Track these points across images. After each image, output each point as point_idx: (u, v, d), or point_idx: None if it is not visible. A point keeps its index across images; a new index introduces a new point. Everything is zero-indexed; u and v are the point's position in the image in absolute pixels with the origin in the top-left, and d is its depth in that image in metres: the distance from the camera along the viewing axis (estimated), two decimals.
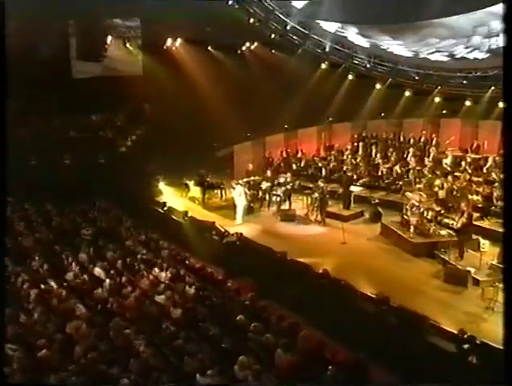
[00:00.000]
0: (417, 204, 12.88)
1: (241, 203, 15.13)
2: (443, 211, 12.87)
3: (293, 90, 21.43)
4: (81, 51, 22.36)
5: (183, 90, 21.50)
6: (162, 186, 18.93)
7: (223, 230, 13.82)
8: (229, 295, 10.67)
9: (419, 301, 9.77)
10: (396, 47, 18.09)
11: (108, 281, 10.75)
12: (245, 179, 17.68)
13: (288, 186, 16.05)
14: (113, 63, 22.96)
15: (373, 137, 20.89)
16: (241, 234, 13.24)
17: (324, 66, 21.14)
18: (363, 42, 19.00)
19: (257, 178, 17.48)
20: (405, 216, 13.00)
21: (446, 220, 12.75)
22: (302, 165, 19.92)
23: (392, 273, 11.21)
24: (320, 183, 15.03)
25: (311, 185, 18.16)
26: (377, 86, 20.55)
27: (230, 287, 10.77)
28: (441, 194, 12.92)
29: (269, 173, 16.92)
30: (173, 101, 21.23)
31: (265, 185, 16.47)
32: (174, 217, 15.84)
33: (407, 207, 13.27)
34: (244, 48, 22.55)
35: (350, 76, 20.86)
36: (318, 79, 21.55)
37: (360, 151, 20.22)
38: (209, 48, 22.21)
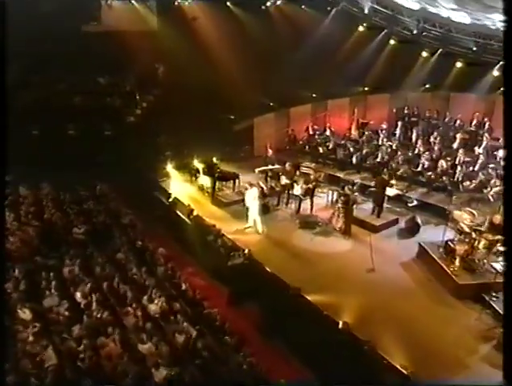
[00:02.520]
0: (467, 229, 10.18)
1: (254, 207, 12.66)
2: (499, 239, 9.96)
3: (324, 54, 18.28)
4: None
5: (198, 51, 18.64)
6: (169, 168, 16.57)
7: (229, 243, 11.57)
8: (226, 348, 8.69)
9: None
10: (451, 10, 14.50)
11: (86, 318, 8.88)
12: (262, 168, 15.14)
13: (310, 185, 13.41)
14: (124, 14, 20.07)
15: (414, 115, 17.69)
16: (250, 253, 10.94)
17: (361, 28, 17.64)
18: (411, 3, 15.40)
19: (276, 167, 14.85)
20: (450, 243, 10.34)
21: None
22: (330, 147, 17.06)
23: (429, 330, 8.78)
24: (347, 190, 12.32)
25: (339, 174, 15.57)
26: (424, 54, 17.02)
27: (228, 340, 8.70)
28: (498, 219, 10.01)
29: (288, 166, 14.19)
30: (187, 64, 18.44)
31: (284, 180, 13.86)
32: (178, 213, 13.64)
33: (458, 225, 10.58)
34: (268, 4, 19.07)
35: (392, 41, 17.36)
36: (354, 43, 18.15)
37: (398, 132, 17.15)
38: (228, 4, 18.87)
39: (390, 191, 13.19)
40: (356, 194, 13.30)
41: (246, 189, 12.94)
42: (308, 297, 9.62)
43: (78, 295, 9.79)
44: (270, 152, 15.61)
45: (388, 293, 9.87)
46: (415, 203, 13.51)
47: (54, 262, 10.93)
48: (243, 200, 13.15)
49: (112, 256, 11.51)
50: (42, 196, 14.90)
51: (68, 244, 11.93)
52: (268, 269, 10.32)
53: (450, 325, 8.91)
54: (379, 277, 10.47)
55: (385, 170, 13.43)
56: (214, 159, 17.11)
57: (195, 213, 13.18)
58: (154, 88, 20.26)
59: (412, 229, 12.30)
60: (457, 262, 9.95)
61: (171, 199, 14.38)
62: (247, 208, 12.85)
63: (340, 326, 8.53)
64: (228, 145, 18.20)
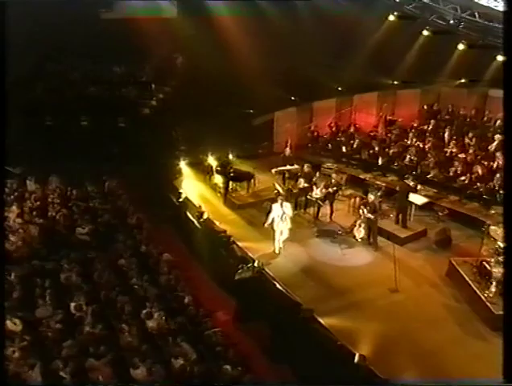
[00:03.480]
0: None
1: (283, 228, 10.84)
2: None
3: (352, 45, 16.85)
4: None
5: (219, 42, 17.48)
6: (183, 165, 15.61)
7: (239, 253, 10.54)
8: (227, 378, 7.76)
9: None
10: None
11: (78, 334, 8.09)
12: (279, 168, 13.99)
13: (330, 190, 12.21)
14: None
15: (448, 113, 16.20)
16: (261, 266, 9.89)
17: (392, 17, 16.14)
18: None
19: (293, 167, 13.70)
20: (485, 264, 9.05)
21: None
22: (354, 146, 15.77)
23: (458, 366, 7.56)
24: (371, 196, 11.07)
25: (362, 176, 14.31)
26: (460, 46, 15.45)
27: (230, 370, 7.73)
28: None
29: (306, 167, 12.98)
30: (207, 55, 17.34)
31: (302, 183, 12.69)
32: (188, 215, 12.67)
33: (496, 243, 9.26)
34: None
35: (425, 32, 15.81)
36: (384, 33, 16.65)
37: (429, 130, 15.70)
38: None
39: (418, 199, 11.88)
40: (380, 200, 12.10)
41: (270, 204, 11.08)
42: (322, 321, 8.56)
43: (73, 306, 8.99)
44: (288, 150, 14.44)
45: (412, 319, 8.68)
46: (446, 212, 12.15)
47: (52, 266, 10.17)
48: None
49: (113, 262, 10.67)
50: (49, 191, 14.18)
51: (69, 246, 11.18)
52: (279, 286, 9.26)
53: (482, 361, 7.66)
54: (403, 298, 9.29)
55: (407, 175, 12.07)
56: (230, 156, 16.15)
57: (205, 216, 12.20)
58: (172, 79, 19.20)
59: (442, 243, 11.01)
60: (493, 287, 8.65)
61: (181, 199, 13.44)
62: (273, 230, 10.91)
63: (356, 359, 7.43)
64: (246, 141, 17.11)
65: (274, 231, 10.72)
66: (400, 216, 11.67)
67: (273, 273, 9.96)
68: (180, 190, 13.67)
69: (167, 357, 8.03)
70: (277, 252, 10.84)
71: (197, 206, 12.87)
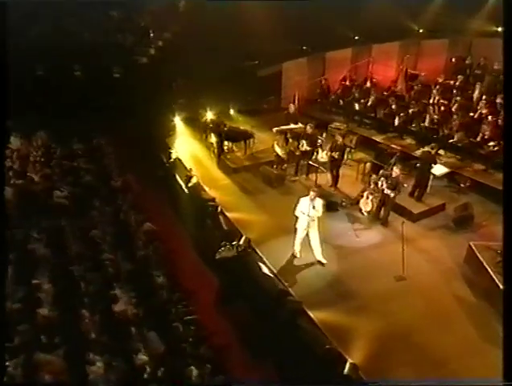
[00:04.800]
0: None
1: (309, 231, 8.35)
2: None
3: None
4: None
5: None
6: (178, 120, 13.95)
7: (226, 227, 9.04)
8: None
9: None
10: None
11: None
12: (281, 127, 12.20)
13: (335, 155, 10.42)
14: None
15: (479, 67, 13.92)
16: (247, 243, 8.39)
17: None
18: None
19: (298, 126, 11.90)
20: None
21: None
22: (369, 103, 13.77)
23: (471, 375, 6.11)
24: (396, 170, 9.10)
25: (376, 138, 12.45)
26: None
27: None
28: None
29: (309, 128, 11.10)
30: None
31: (304, 146, 10.93)
32: (177, 178, 11.17)
33: None
34: None
35: None
36: None
37: (456, 87, 13.53)
38: None
39: (437, 169, 10.05)
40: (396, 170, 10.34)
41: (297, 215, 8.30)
42: (311, 315, 7.12)
43: (33, 283, 7.77)
44: (292, 107, 12.53)
45: (418, 316, 7.14)
46: (468, 184, 10.33)
47: (20, 236, 8.92)
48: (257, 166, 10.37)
49: (86, 231, 9.33)
50: (32, 149, 12.84)
51: (43, 212, 9.87)
52: (266, 270, 7.78)
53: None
54: (410, 289, 7.70)
55: (433, 144, 10.07)
56: (231, 111, 14.42)
57: (194, 181, 10.67)
58: (173, 24, 17.19)
59: (463, 220, 9.26)
60: None
61: (171, 160, 11.90)
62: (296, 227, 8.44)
63: (347, 369, 6.01)
64: (250, 94, 15.27)
65: (295, 230, 8.38)
66: (417, 189, 9.87)
67: (261, 252, 8.49)
68: (171, 150, 12.11)
69: (131, 351, 6.81)
70: (297, 255, 8.50)
71: (188, 168, 11.33)
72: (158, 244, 9.28)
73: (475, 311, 7.22)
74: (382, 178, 9.08)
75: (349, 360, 6.12)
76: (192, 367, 6.47)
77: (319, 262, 8.28)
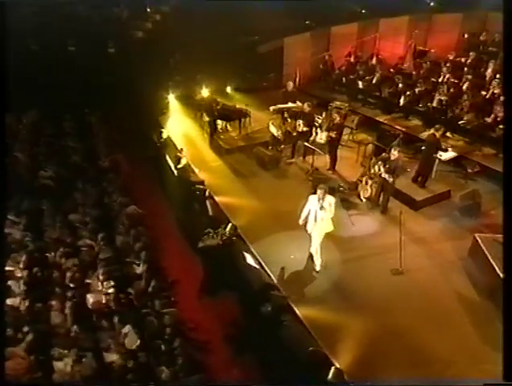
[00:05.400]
0: None
1: (316, 232, 7.20)
2: None
3: None
4: None
5: None
6: (173, 98, 13.19)
7: (212, 212, 8.37)
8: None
9: None
10: None
11: None
12: (278, 106, 11.39)
13: (333, 135, 9.62)
14: None
15: (494, 44, 12.87)
16: (233, 231, 7.73)
17: None
18: None
19: (296, 105, 11.08)
20: None
21: None
22: (374, 82, 12.85)
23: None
24: (394, 152, 8.22)
25: (380, 119, 11.61)
26: None
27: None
28: None
29: (307, 107, 10.26)
30: None
31: (301, 126, 10.14)
32: (167, 159, 10.51)
33: None
34: None
35: None
36: None
37: (467, 64, 12.53)
38: None
39: (443, 153, 9.22)
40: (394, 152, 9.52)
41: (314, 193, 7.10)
42: (298, 312, 6.49)
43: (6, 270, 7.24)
44: (291, 85, 11.66)
45: (414, 315, 6.46)
46: (477, 169, 9.50)
47: None
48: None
49: (67, 215, 8.75)
50: (22, 126, 12.23)
51: (25, 193, 9.28)
52: (251, 262, 7.13)
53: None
54: (407, 284, 7.01)
55: (438, 125, 9.16)
56: (228, 88, 13.61)
57: (183, 162, 10.00)
58: None
59: (469, 209, 8.47)
60: None
61: (162, 139, 11.20)
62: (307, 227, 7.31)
63: (331, 375, 5.39)
64: (249, 71, 14.42)
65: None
66: (421, 175, 9.07)
67: (249, 240, 7.84)
68: (162, 129, 11.40)
69: (102, 346, 6.30)
70: (317, 269, 7.37)
71: (179, 149, 10.65)
72: (142, 229, 8.67)
73: (477, 311, 6.52)
74: (380, 162, 8.28)
75: (334, 365, 5.50)
76: (163, 368, 5.90)
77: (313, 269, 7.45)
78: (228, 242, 7.48)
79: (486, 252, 7.05)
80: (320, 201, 6.80)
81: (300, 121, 10.02)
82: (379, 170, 8.25)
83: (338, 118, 9.69)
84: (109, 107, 12.89)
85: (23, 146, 11.07)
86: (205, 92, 12.64)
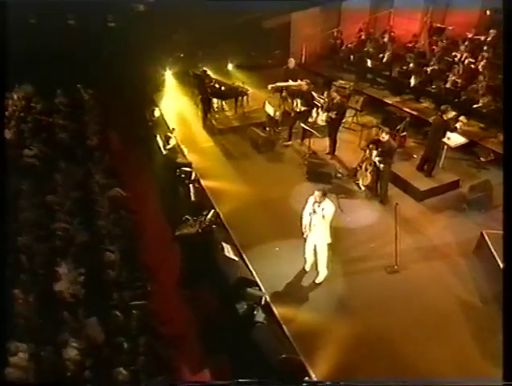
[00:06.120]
0: None
1: (313, 239, 6.19)
2: None
3: None
4: None
5: None
6: (169, 74, 12.44)
7: (195, 197, 7.67)
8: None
9: None
10: None
11: None
12: (276, 84, 10.53)
13: (332, 115, 8.77)
14: None
15: None
16: (214, 218, 7.05)
17: None
18: None
19: (296, 83, 10.21)
20: None
21: None
22: (384, 60, 11.85)
23: None
24: (384, 135, 7.48)
25: (389, 100, 10.69)
26: None
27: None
28: None
29: (305, 84, 9.38)
30: None
31: (299, 106, 9.30)
32: (157, 138, 9.83)
33: None
34: None
35: None
36: None
37: (487, 43, 11.42)
38: None
39: (452, 138, 8.29)
40: (404, 134, 8.68)
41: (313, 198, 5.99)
42: (277, 312, 5.81)
43: None
44: (293, 62, 10.74)
45: (408, 319, 5.69)
46: (491, 156, 8.56)
47: None
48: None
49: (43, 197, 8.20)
50: (12, 102, 11.71)
51: (11, 173, 8.76)
52: (229, 254, 6.43)
53: None
54: (402, 284, 6.22)
55: (445, 105, 8.18)
56: (229, 66, 12.80)
57: (172, 142, 9.30)
58: None
59: (479, 202, 7.57)
60: None
61: (154, 118, 10.52)
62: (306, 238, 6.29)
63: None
64: (254, 48, 13.56)
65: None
66: (427, 162, 8.18)
67: (233, 230, 7.15)
68: (154, 107, 10.70)
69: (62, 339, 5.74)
70: (306, 268, 6.47)
71: (170, 128, 9.96)
72: (124, 213, 8.08)
73: (478, 319, 5.70)
74: (371, 145, 7.43)
75: (309, 374, 4.83)
76: (121, 369, 5.31)
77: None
78: (207, 230, 6.80)
79: (493, 251, 6.21)
80: (316, 204, 5.83)
81: (298, 101, 9.17)
82: (370, 153, 7.41)
83: (338, 97, 8.81)
84: (104, 83, 12.28)
85: (10, 123, 10.58)
86: (201, 69, 11.88)
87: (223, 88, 10.46)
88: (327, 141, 9.35)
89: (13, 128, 10.45)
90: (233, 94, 10.40)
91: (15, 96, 11.91)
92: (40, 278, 6.48)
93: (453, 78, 10.28)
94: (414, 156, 8.90)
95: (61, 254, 6.90)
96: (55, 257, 6.80)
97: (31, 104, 11.66)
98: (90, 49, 13.37)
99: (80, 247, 7.14)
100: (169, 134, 9.52)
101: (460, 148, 8.64)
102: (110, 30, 14.45)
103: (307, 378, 4.84)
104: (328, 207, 5.78)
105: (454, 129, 8.13)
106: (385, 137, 7.34)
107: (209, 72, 10.46)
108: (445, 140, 8.06)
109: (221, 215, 7.38)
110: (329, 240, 6.02)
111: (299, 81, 10.27)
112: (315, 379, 4.91)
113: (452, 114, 8.97)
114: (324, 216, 5.75)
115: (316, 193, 5.80)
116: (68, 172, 8.94)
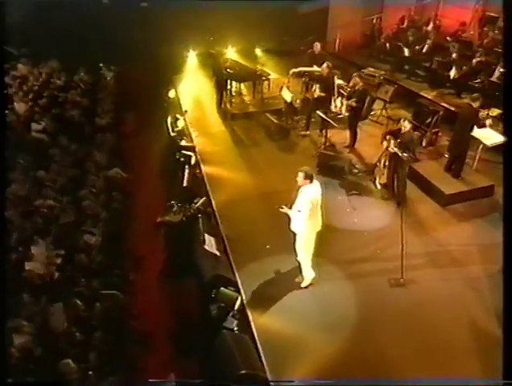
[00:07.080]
0: None
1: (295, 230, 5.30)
2: None
3: None
4: None
5: None
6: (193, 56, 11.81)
7: (187, 182, 6.96)
8: None
9: None
10: None
11: None
12: (298, 69, 9.61)
13: (353, 103, 7.77)
14: None
15: None
16: (204, 206, 6.32)
17: None
18: None
19: (318, 69, 9.19)
20: None
21: None
22: (424, 50, 10.64)
23: None
24: (405, 123, 6.41)
25: (424, 94, 9.55)
26: None
27: None
28: None
29: (325, 68, 8.37)
30: None
31: (317, 91, 8.34)
32: (168, 120, 9.20)
33: None
34: None
35: None
36: None
37: None
38: None
39: (489, 136, 7.07)
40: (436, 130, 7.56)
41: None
42: (251, 318, 4.99)
43: None
44: (319, 46, 9.74)
45: (408, 346, 4.70)
46: None
47: None
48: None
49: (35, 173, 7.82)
50: (33, 77, 11.53)
51: (13, 148, 8.48)
52: (211, 247, 5.66)
53: None
54: (406, 302, 5.22)
55: (476, 94, 6.95)
56: (257, 50, 12.02)
57: (180, 124, 8.66)
58: None
59: None
60: None
61: (169, 98, 9.93)
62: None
63: None
64: (287, 33, 12.71)
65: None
66: (455, 160, 7.04)
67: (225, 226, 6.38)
68: (170, 88, 10.10)
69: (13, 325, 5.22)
70: (302, 284, 5.50)
71: (183, 110, 9.34)
72: (116, 195, 7.54)
73: (496, 351, 4.62)
74: (389, 136, 6.41)
75: None
76: (69, 361, 4.70)
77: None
78: (191, 220, 6.07)
79: None
80: (297, 191, 5.00)
81: (317, 86, 8.22)
82: (388, 144, 6.38)
83: (361, 84, 7.79)
84: (128, 63, 11.89)
85: (27, 97, 10.38)
86: (231, 52, 11.16)
87: (239, 69, 9.65)
88: (347, 133, 8.38)
89: (28, 102, 10.23)
90: (251, 77, 9.59)
91: (36, 72, 11.73)
92: (13, 255, 6.05)
93: (501, 70, 8.97)
94: (446, 155, 7.76)
95: (41, 233, 6.45)
96: (33, 235, 6.35)
97: (51, 79, 11.43)
98: (121, 29, 13.02)
99: (64, 227, 6.65)
100: (178, 116, 8.91)
101: (499, 148, 7.40)
102: (143, 10, 14.06)
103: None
104: (308, 190, 4.90)
105: (483, 126, 6.93)
106: (406, 126, 6.31)
107: (226, 52, 9.68)
108: (480, 136, 6.86)
109: (214, 205, 6.64)
110: (306, 230, 5.04)
111: (323, 67, 9.32)
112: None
113: (495, 112, 7.81)
114: (301, 200, 4.88)
115: (300, 174, 4.95)
116: (67, 149, 8.54)
